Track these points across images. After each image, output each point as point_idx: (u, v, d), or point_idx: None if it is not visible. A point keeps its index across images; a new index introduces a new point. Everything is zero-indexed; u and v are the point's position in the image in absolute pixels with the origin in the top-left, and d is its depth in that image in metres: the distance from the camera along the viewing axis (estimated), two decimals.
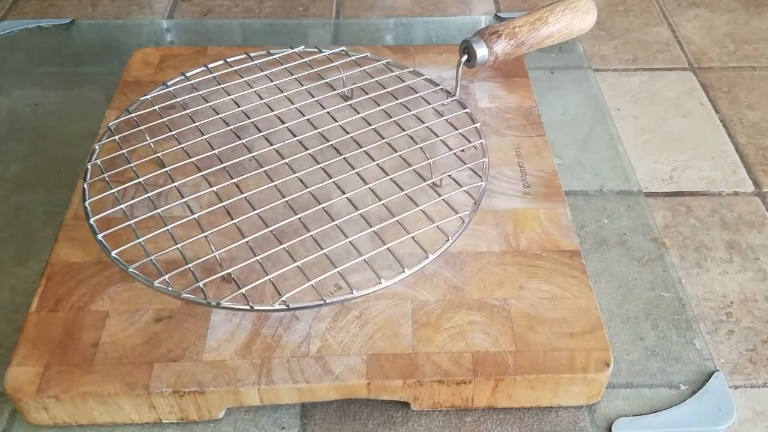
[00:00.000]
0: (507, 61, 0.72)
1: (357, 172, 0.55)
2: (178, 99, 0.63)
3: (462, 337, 0.49)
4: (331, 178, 0.54)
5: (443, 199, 0.54)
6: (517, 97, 0.68)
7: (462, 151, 0.58)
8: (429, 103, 0.62)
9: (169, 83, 0.64)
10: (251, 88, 0.63)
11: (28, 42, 0.82)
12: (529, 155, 0.62)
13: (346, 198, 0.53)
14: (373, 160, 0.56)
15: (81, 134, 0.69)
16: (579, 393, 0.49)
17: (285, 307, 0.47)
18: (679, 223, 0.64)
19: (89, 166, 0.56)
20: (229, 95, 0.62)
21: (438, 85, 0.64)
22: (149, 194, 0.54)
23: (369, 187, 0.54)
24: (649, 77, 0.80)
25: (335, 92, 0.63)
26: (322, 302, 0.48)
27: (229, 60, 0.66)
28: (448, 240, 0.51)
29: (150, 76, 0.70)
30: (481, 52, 0.60)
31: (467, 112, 0.62)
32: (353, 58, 0.67)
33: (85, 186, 0.55)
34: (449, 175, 0.56)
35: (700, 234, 0.63)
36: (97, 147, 0.58)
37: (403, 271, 0.49)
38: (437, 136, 0.59)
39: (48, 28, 0.84)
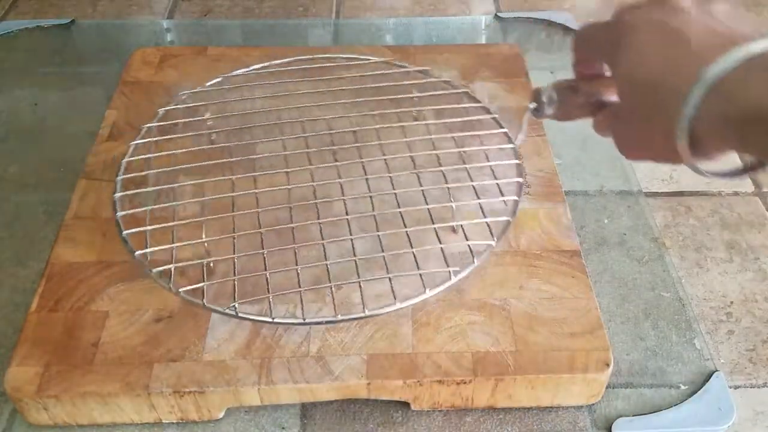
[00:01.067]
0: (507, 62, 0.72)
1: (388, 191, 0.54)
2: (207, 103, 0.62)
3: (462, 337, 0.49)
4: (371, 190, 0.54)
5: (463, 228, 0.53)
6: (517, 97, 0.68)
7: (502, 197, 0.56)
8: (483, 144, 0.59)
9: (207, 84, 0.64)
10: (298, 91, 0.62)
11: (28, 42, 0.82)
12: (529, 155, 0.62)
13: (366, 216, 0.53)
14: (392, 186, 0.55)
15: (81, 134, 0.69)
16: (579, 393, 0.49)
17: (302, 321, 0.48)
18: (679, 223, 0.64)
19: (123, 163, 0.56)
20: (271, 98, 0.62)
21: (502, 127, 0.60)
22: (174, 201, 0.54)
23: (399, 211, 0.53)
24: None
25: (403, 110, 0.62)
26: (334, 318, 0.48)
27: (274, 62, 0.66)
28: (451, 276, 0.50)
29: (150, 76, 0.70)
30: (549, 104, 0.55)
31: (517, 164, 0.57)
32: (429, 80, 0.64)
33: (117, 181, 0.55)
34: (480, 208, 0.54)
35: (700, 234, 0.63)
36: (132, 146, 0.58)
37: (424, 291, 0.48)
38: (472, 181, 0.56)
39: (48, 28, 0.84)
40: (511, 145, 0.58)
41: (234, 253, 0.50)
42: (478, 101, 0.63)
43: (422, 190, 0.55)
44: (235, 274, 0.49)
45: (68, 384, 0.46)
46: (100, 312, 0.50)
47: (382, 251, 0.50)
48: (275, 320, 0.47)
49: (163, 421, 0.49)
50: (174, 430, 0.49)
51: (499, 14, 0.87)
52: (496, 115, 0.61)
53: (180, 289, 0.47)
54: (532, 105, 0.55)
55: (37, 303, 0.51)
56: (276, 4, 0.91)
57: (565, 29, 0.83)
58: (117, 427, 0.49)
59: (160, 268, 0.49)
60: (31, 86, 0.76)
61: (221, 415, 0.49)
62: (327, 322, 0.49)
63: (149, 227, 0.51)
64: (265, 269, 0.49)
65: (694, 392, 0.50)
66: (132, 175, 0.55)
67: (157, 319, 0.50)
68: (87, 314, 0.50)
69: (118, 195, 0.53)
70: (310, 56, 0.67)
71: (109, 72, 0.75)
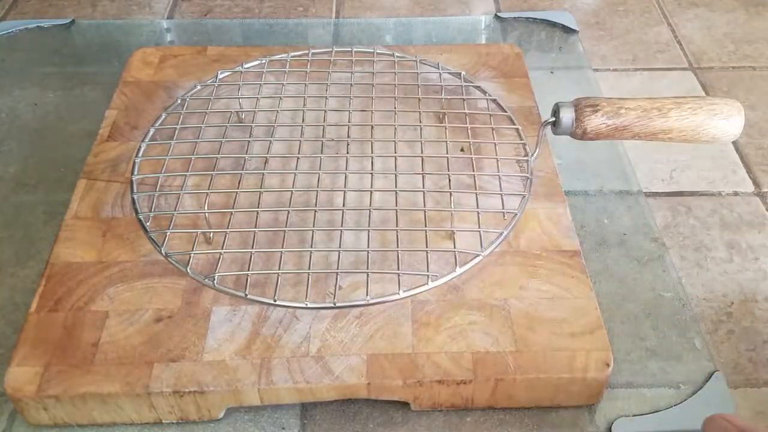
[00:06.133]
0: (507, 62, 0.72)
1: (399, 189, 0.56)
2: (216, 98, 0.63)
3: (462, 337, 0.49)
4: (402, 190, 0.56)
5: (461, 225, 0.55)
6: (517, 97, 0.68)
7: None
8: (498, 153, 0.59)
9: (219, 77, 0.65)
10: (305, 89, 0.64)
11: (28, 42, 0.82)
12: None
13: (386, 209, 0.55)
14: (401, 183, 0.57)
15: (81, 134, 0.69)
16: (579, 393, 0.49)
17: (332, 305, 0.49)
18: (679, 223, 0.64)
19: (137, 161, 0.57)
20: (276, 95, 0.63)
21: (522, 139, 0.61)
22: (182, 191, 0.56)
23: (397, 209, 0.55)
24: (649, 77, 0.80)
25: (429, 111, 0.63)
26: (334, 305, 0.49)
27: (273, 58, 0.67)
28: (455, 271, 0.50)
29: (150, 76, 0.70)
30: (566, 121, 0.54)
31: (527, 178, 0.57)
32: (460, 84, 0.66)
33: (133, 179, 0.55)
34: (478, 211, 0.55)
35: (700, 234, 0.63)
36: (143, 146, 0.59)
37: (427, 283, 0.49)
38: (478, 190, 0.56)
39: (48, 28, 0.84)
40: (525, 158, 0.58)
41: (252, 248, 0.52)
42: (504, 110, 0.63)
43: (424, 192, 0.55)
44: (249, 268, 0.50)
45: (68, 384, 0.46)
46: (100, 312, 0.50)
47: (397, 247, 0.52)
48: (277, 302, 0.48)
49: (163, 421, 0.49)
50: (174, 430, 0.49)
51: (499, 14, 0.87)
52: (519, 127, 0.61)
53: (219, 285, 0.49)
54: (551, 119, 0.55)
55: (37, 303, 0.51)
56: (276, 4, 0.91)
57: (565, 29, 0.84)
58: (117, 427, 0.49)
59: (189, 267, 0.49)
60: (31, 86, 0.76)
61: (221, 415, 0.49)
62: (329, 308, 0.50)
63: (175, 230, 0.52)
64: (279, 268, 0.50)
65: (694, 392, 0.50)
66: (147, 175, 0.57)
67: (157, 319, 0.50)
68: (87, 314, 0.50)
69: (137, 195, 0.54)
70: (327, 49, 0.68)
71: (109, 72, 0.75)
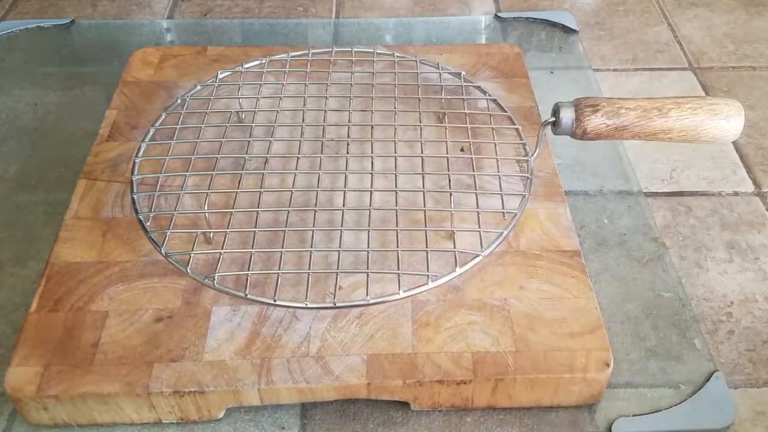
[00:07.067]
0: (507, 62, 0.72)
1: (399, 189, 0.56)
2: (216, 98, 0.63)
3: (462, 337, 0.49)
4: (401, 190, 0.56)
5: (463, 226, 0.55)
6: (517, 97, 0.68)
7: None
8: (498, 153, 0.59)
9: (219, 77, 0.65)
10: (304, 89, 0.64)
11: (28, 42, 0.82)
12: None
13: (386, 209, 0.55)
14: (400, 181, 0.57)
15: (81, 134, 0.69)
16: (579, 393, 0.49)
17: (332, 305, 0.49)
18: (679, 223, 0.64)
19: (137, 161, 0.57)
20: (276, 95, 0.63)
21: (522, 139, 0.61)
22: (182, 191, 0.55)
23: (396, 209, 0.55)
24: (648, 77, 0.80)
25: (429, 111, 0.64)
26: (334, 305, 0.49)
27: (271, 59, 0.67)
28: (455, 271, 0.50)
29: (150, 76, 0.70)
30: (566, 121, 0.54)
31: (527, 178, 0.57)
32: (461, 84, 0.66)
33: (133, 179, 0.55)
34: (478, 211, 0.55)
35: (700, 234, 0.63)
36: (143, 146, 0.59)
37: (427, 283, 0.49)
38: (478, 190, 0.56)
39: (48, 28, 0.84)
40: (525, 158, 0.58)
41: (252, 248, 0.51)
42: (504, 110, 0.63)
43: (424, 192, 0.55)
44: (249, 268, 0.50)
45: (68, 384, 0.46)
46: (100, 312, 0.50)
47: (397, 247, 0.52)
48: (277, 302, 0.48)
49: (163, 421, 0.49)
50: (174, 430, 0.49)
51: (499, 14, 0.87)
52: (519, 127, 0.61)
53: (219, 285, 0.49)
54: (551, 120, 0.55)
55: (37, 303, 0.51)
56: (276, 4, 0.91)
57: (565, 29, 0.84)
58: (117, 427, 0.49)
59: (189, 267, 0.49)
60: (31, 86, 0.76)
61: (221, 415, 0.49)
62: (329, 308, 0.50)
63: (176, 230, 0.53)
64: (279, 268, 0.50)
65: (694, 392, 0.50)
66: (147, 175, 0.57)
67: (157, 319, 0.50)
68: (87, 314, 0.50)
69: (137, 195, 0.54)
70: (327, 49, 0.68)
71: (109, 72, 0.75)
